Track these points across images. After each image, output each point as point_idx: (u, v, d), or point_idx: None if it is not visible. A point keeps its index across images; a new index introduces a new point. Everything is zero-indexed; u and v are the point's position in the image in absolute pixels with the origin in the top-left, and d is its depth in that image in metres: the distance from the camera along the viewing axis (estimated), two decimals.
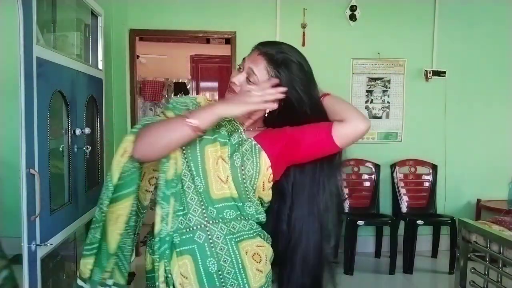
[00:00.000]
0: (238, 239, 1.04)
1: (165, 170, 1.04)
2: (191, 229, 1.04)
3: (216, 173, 1.04)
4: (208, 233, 1.03)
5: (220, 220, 1.04)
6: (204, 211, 1.04)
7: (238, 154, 1.07)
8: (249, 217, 1.07)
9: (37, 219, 1.65)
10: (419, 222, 3.31)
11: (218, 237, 1.03)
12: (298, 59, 1.09)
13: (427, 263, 3.61)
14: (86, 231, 2.47)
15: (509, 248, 1.69)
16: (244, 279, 1.02)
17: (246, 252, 1.04)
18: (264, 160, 1.07)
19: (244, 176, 1.05)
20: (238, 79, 1.07)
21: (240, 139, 1.09)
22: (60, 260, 2.09)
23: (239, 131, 1.11)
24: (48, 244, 1.73)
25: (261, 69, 1.06)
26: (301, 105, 1.08)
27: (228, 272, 1.01)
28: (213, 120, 1.00)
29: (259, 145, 1.08)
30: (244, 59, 1.11)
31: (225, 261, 1.02)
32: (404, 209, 3.58)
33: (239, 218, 1.06)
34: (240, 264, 1.03)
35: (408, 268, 3.34)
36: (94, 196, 2.42)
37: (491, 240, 1.77)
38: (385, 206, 3.69)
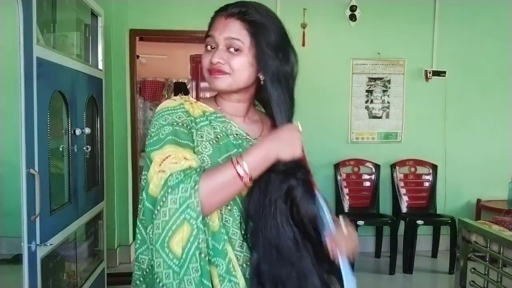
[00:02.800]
0: None
1: (208, 221, 0.85)
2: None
3: None
4: None
5: None
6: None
7: None
8: None
9: (37, 219, 1.65)
10: (419, 222, 3.31)
11: None
12: (275, 17, 0.93)
13: (427, 263, 3.61)
14: (86, 231, 2.47)
15: (509, 248, 1.69)
16: None
17: None
18: None
19: None
20: (219, 55, 0.88)
21: (251, 144, 0.96)
22: (60, 260, 2.09)
23: (246, 138, 0.96)
24: (48, 244, 1.73)
25: (239, 31, 0.88)
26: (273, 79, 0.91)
27: None
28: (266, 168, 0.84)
29: None
30: (209, 35, 0.92)
31: None
32: (404, 209, 3.58)
33: None
34: None
35: (408, 268, 3.34)
36: (94, 196, 2.43)
37: (491, 240, 1.77)
38: (385, 206, 3.69)
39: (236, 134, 0.95)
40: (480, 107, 3.78)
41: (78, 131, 2.10)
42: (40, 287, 1.69)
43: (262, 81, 0.93)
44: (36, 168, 1.63)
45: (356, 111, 3.71)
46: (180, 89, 4.82)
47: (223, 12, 0.91)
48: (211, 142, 0.90)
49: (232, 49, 0.88)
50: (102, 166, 2.54)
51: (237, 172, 0.79)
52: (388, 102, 3.75)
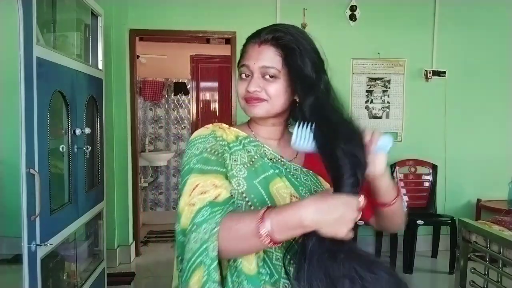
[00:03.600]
0: None
1: (240, 263, 0.80)
2: None
3: None
4: None
5: None
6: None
7: (303, 188, 0.91)
8: None
9: (37, 219, 1.65)
10: (419, 222, 3.31)
11: None
12: (308, 39, 0.92)
13: (427, 263, 3.61)
14: (86, 231, 2.47)
15: (509, 248, 1.69)
16: None
17: None
18: (324, 183, 0.94)
19: None
20: (256, 84, 0.88)
21: (285, 167, 0.93)
22: (60, 260, 2.09)
23: (280, 160, 0.93)
24: (48, 244, 1.73)
25: (273, 57, 0.88)
26: (314, 101, 0.85)
27: None
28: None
29: (311, 171, 0.95)
30: (242, 65, 0.91)
31: None
32: (404, 208, 3.57)
33: None
34: None
35: (408, 268, 3.33)
36: (94, 196, 2.43)
37: (491, 240, 1.77)
38: None
39: (271, 158, 0.93)
40: (480, 107, 3.78)
41: (78, 131, 2.10)
42: (40, 287, 1.69)
43: (297, 103, 0.90)
44: (36, 168, 1.63)
45: (356, 111, 3.71)
46: (180, 89, 4.82)
47: (256, 39, 0.91)
48: (245, 165, 0.89)
49: (267, 76, 0.88)
50: (102, 166, 2.54)
51: (258, 229, 0.69)
52: (388, 102, 3.75)
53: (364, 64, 3.69)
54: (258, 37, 0.90)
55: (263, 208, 0.71)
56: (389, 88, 3.74)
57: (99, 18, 2.53)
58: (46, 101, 1.76)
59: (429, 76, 3.66)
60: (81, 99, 2.20)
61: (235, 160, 0.89)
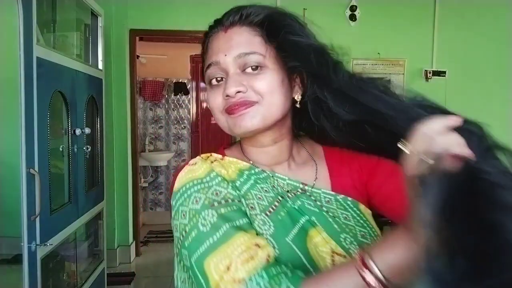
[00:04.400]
0: None
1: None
2: None
3: None
4: None
5: None
6: None
7: (346, 235, 0.64)
8: None
9: (37, 219, 1.65)
10: None
11: None
12: (286, 11, 0.69)
13: None
14: (86, 231, 2.47)
15: None
16: None
17: None
18: (368, 214, 0.70)
19: None
20: (236, 82, 0.61)
21: (314, 197, 0.67)
22: (60, 260, 2.09)
23: (302, 190, 0.68)
24: (48, 244, 1.73)
25: (250, 39, 0.63)
26: (325, 81, 0.61)
27: None
28: None
29: (350, 198, 0.69)
30: (209, 66, 0.65)
31: None
32: None
33: None
34: None
35: None
36: (94, 196, 2.43)
37: None
38: None
39: (288, 191, 0.66)
40: (480, 107, 3.78)
41: (78, 131, 2.10)
42: (40, 287, 1.69)
43: (297, 103, 0.66)
44: (36, 168, 1.63)
45: None
46: (180, 89, 4.82)
47: (219, 26, 0.66)
48: (267, 213, 0.62)
49: (249, 69, 0.62)
50: (102, 166, 2.54)
51: (365, 280, 0.48)
52: None
53: (364, 64, 3.69)
54: (220, 24, 0.67)
55: (357, 254, 0.51)
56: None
57: (99, 18, 2.53)
58: (46, 101, 1.76)
59: (429, 76, 3.66)
60: (81, 99, 2.20)
61: (252, 207, 0.62)
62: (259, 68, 0.62)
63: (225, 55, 0.63)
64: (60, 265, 2.12)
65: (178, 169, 0.66)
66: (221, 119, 0.65)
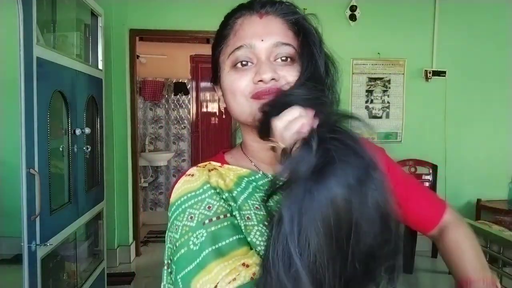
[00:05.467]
0: None
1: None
2: None
3: None
4: None
5: None
6: None
7: None
8: None
9: (37, 219, 1.65)
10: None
11: None
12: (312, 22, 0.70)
13: (427, 263, 3.61)
14: (86, 231, 2.47)
15: (509, 248, 1.69)
16: None
17: None
18: None
19: None
20: (270, 68, 0.61)
21: None
22: (60, 260, 2.09)
23: None
24: (48, 244, 1.73)
25: (286, 32, 0.64)
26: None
27: None
28: None
29: None
30: (239, 47, 0.63)
31: None
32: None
33: None
34: None
35: (408, 268, 3.33)
36: (94, 196, 2.43)
37: (491, 240, 1.77)
38: None
39: None
40: (480, 107, 3.78)
41: (78, 131, 2.10)
42: (40, 287, 1.69)
43: None
44: (36, 168, 1.63)
45: (356, 111, 3.70)
46: (180, 89, 4.82)
47: (250, 10, 0.64)
48: (266, 223, 0.60)
49: (279, 60, 0.62)
50: (102, 166, 2.54)
51: None
52: (388, 102, 3.75)
53: (364, 64, 3.69)
54: (252, 9, 0.65)
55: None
56: (389, 88, 3.73)
57: (99, 18, 2.53)
58: (46, 101, 1.76)
59: (429, 76, 3.66)
60: (81, 99, 2.20)
61: (248, 218, 0.60)
62: (289, 60, 0.62)
63: (262, 40, 0.62)
64: (60, 265, 2.12)
65: (177, 179, 0.66)
66: (243, 104, 0.63)
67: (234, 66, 0.63)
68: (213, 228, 0.57)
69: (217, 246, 0.56)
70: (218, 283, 0.52)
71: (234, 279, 0.52)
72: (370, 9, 3.59)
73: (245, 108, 0.63)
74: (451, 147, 3.75)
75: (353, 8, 3.58)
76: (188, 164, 4.86)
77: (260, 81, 0.60)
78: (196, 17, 3.43)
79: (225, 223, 0.58)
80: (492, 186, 3.73)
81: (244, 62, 0.62)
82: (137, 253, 3.64)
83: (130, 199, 3.53)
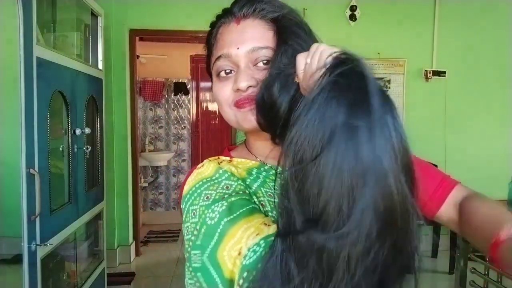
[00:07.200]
0: None
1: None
2: None
3: None
4: None
5: None
6: None
7: None
8: None
9: (37, 219, 1.65)
10: (419, 222, 3.30)
11: None
12: (298, 15, 0.67)
13: (427, 263, 3.61)
14: (86, 231, 2.47)
15: None
16: None
17: None
18: None
19: None
20: (247, 76, 0.61)
21: None
22: (60, 260, 2.09)
23: None
24: (48, 244, 1.73)
25: (263, 34, 0.62)
26: None
27: None
28: None
29: None
30: (219, 57, 0.63)
31: None
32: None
33: None
34: None
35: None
36: (94, 196, 2.43)
37: None
38: None
39: None
40: (480, 107, 3.78)
41: (78, 131, 2.10)
42: (40, 287, 1.69)
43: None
44: (36, 168, 1.63)
45: None
46: (180, 89, 4.82)
47: (229, 16, 0.65)
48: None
49: (260, 64, 0.61)
50: (102, 166, 2.54)
51: None
52: None
53: None
54: (231, 15, 0.65)
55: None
56: (389, 88, 3.73)
57: (99, 18, 2.53)
58: (46, 101, 1.76)
59: (429, 76, 3.65)
60: (81, 99, 2.20)
61: (262, 205, 0.60)
62: (269, 62, 0.61)
63: (238, 48, 0.62)
64: (60, 265, 2.12)
65: (187, 176, 0.65)
66: (228, 112, 0.64)
67: (217, 75, 0.64)
68: (233, 199, 0.56)
69: (237, 213, 0.54)
70: (242, 244, 0.50)
71: (258, 234, 0.50)
72: (370, 9, 3.59)
73: (230, 116, 0.64)
74: (451, 147, 3.75)
75: (353, 8, 3.58)
76: (188, 164, 4.86)
77: (238, 89, 0.61)
78: (196, 17, 3.43)
79: (245, 197, 0.58)
80: (492, 186, 3.72)
81: (227, 70, 0.63)
82: (137, 253, 3.64)
83: (130, 199, 3.53)
